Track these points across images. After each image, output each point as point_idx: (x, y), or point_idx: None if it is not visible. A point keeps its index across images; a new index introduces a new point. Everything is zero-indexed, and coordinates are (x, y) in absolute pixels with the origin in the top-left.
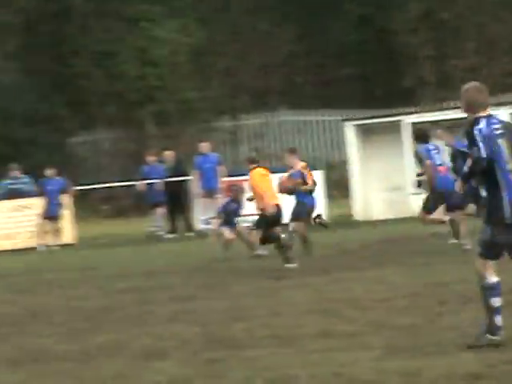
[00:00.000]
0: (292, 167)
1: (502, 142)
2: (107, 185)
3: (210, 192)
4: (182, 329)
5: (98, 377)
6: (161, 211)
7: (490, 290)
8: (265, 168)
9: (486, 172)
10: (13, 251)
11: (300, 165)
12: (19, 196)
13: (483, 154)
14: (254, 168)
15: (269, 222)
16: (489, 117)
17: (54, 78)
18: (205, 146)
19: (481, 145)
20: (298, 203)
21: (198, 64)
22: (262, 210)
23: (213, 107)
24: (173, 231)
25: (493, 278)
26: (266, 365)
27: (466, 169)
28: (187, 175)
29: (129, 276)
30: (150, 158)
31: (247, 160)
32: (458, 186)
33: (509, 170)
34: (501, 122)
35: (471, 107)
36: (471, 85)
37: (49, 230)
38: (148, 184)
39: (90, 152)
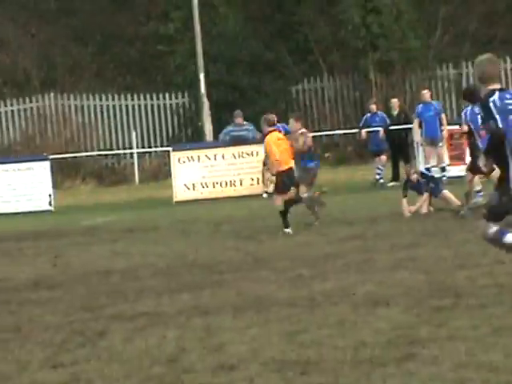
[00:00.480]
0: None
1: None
2: (330, 132)
3: (431, 141)
4: (405, 276)
5: (323, 323)
6: (383, 159)
7: (497, 236)
8: None
9: (496, 145)
10: (236, 198)
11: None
12: (242, 143)
13: (500, 125)
14: (270, 132)
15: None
16: (501, 90)
17: (277, 25)
18: (427, 95)
19: (497, 117)
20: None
21: (421, 12)
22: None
23: (436, 56)
24: (395, 179)
25: (493, 228)
26: (490, 313)
27: (485, 144)
28: (410, 123)
29: (352, 223)
30: (373, 106)
31: (265, 122)
32: (481, 162)
33: None
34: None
35: (484, 79)
36: (484, 57)
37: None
38: (370, 132)
39: (314, 100)
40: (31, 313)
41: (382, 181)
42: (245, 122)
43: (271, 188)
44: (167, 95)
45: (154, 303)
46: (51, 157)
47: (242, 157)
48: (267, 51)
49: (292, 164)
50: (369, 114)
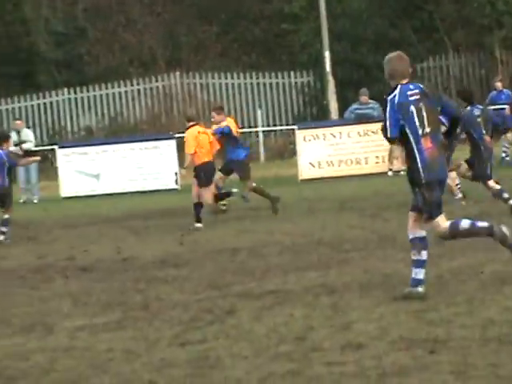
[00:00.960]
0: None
1: (414, 108)
2: None
3: None
4: None
5: (451, 301)
6: (510, 136)
7: (415, 245)
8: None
9: (402, 139)
10: (361, 176)
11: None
12: (368, 121)
13: (390, 129)
14: (190, 126)
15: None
16: (406, 84)
17: (402, 3)
18: None
19: (389, 119)
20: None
21: None
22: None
23: None
24: None
25: (417, 232)
26: None
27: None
28: None
29: (477, 201)
30: (498, 84)
31: (185, 117)
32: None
33: (421, 135)
34: (419, 88)
35: (393, 76)
36: (393, 54)
37: (398, 156)
38: (496, 110)
39: (439, 77)
40: (159, 291)
41: (507, 158)
42: (370, 101)
43: (396, 166)
44: (292, 73)
45: (280, 281)
46: (177, 135)
47: (367, 135)
48: (392, 29)
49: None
50: (494, 92)
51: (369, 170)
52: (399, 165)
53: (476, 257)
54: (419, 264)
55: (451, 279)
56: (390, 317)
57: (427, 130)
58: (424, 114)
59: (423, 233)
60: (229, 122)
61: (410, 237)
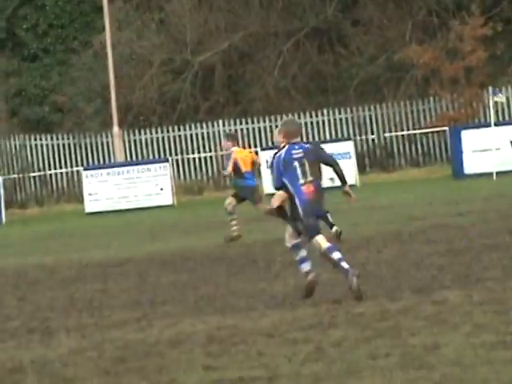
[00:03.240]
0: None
1: (297, 163)
2: None
3: None
4: None
5: None
6: None
7: (294, 249)
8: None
9: (285, 187)
10: None
11: (235, 150)
12: None
13: (277, 181)
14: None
15: None
16: (293, 144)
17: None
18: None
19: (275, 172)
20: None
21: None
22: None
23: None
24: None
25: (293, 241)
26: None
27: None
28: None
29: None
30: None
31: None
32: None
33: (300, 184)
34: (303, 147)
35: (286, 136)
36: (288, 119)
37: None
38: None
39: None
40: None
41: None
42: None
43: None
44: None
45: None
46: None
47: None
48: None
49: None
50: None
51: None
52: None
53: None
54: (302, 260)
55: None
56: None
57: (301, 181)
58: (305, 167)
59: (297, 241)
60: (236, 152)
61: (289, 246)
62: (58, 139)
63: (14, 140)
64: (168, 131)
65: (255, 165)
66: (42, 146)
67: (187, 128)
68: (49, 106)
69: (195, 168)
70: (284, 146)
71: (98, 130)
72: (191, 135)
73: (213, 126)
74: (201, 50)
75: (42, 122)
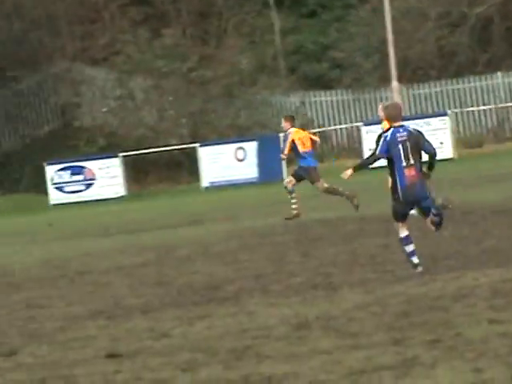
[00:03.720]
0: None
1: (400, 146)
2: None
3: None
4: None
5: None
6: None
7: (403, 241)
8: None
9: (389, 166)
10: None
11: (292, 131)
12: None
13: (379, 153)
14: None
15: None
16: (398, 127)
17: None
18: None
19: (381, 147)
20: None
21: None
22: None
23: None
24: None
25: (403, 233)
26: None
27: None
28: None
29: None
30: None
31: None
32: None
33: (403, 166)
34: (407, 130)
35: (389, 120)
36: (390, 103)
37: None
38: None
39: None
40: None
41: None
42: None
43: None
44: None
45: None
46: None
47: None
48: None
49: None
50: None
51: None
52: None
53: None
54: (411, 254)
55: None
56: None
57: (404, 163)
58: (409, 150)
59: (407, 233)
60: (293, 133)
61: (401, 236)
62: (336, 95)
63: (294, 97)
64: (446, 85)
65: (315, 143)
66: (321, 102)
67: (466, 81)
68: (327, 63)
69: (474, 121)
70: (388, 129)
71: (377, 85)
72: (470, 88)
73: (491, 78)
74: (478, 3)
75: (320, 78)
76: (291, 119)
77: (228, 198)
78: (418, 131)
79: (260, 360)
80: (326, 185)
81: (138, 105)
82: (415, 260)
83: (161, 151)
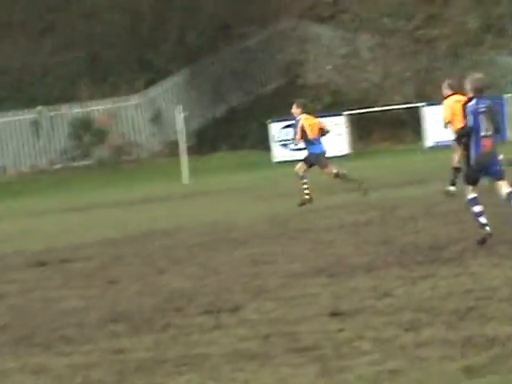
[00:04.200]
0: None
1: (482, 116)
2: None
3: None
4: None
5: None
6: None
7: (471, 202)
8: None
9: (469, 135)
10: None
11: (302, 117)
12: None
13: (469, 124)
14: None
15: None
16: (480, 98)
17: None
18: None
19: (468, 117)
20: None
21: None
22: None
23: None
24: None
25: (472, 195)
26: None
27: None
28: None
29: None
30: None
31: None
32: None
33: (482, 136)
34: (486, 102)
35: (472, 90)
36: (477, 76)
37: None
38: None
39: None
40: None
41: None
42: None
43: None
44: None
45: None
46: None
47: None
48: None
49: None
50: None
51: None
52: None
53: None
54: (479, 214)
55: None
56: None
57: (483, 133)
58: (486, 121)
59: (475, 195)
60: (304, 119)
61: (468, 198)
62: None
63: None
64: None
65: (323, 131)
66: None
67: None
68: None
69: None
70: (471, 99)
71: None
72: None
73: None
74: None
75: None
76: (303, 106)
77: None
78: (493, 105)
79: (483, 321)
80: (334, 170)
81: (363, 63)
82: (483, 220)
83: (385, 110)
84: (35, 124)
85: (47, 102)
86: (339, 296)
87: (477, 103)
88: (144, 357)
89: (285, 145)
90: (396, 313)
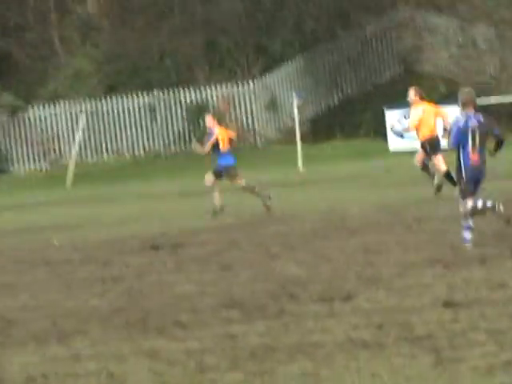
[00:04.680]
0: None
1: (470, 134)
2: None
3: None
4: None
5: None
6: None
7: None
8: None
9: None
10: None
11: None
12: None
13: (453, 141)
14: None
15: None
16: (470, 115)
17: None
18: None
19: (452, 135)
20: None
21: None
22: None
23: None
24: None
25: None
26: None
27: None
28: None
29: None
30: None
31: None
32: None
33: (468, 152)
34: (478, 119)
35: (462, 105)
36: (464, 89)
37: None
38: None
39: None
40: None
41: None
42: None
43: None
44: None
45: None
46: None
47: None
48: None
49: None
50: None
51: None
52: None
53: None
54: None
55: None
56: None
57: (470, 148)
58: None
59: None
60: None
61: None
62: None
63: None
64: None
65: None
66: None
67: None
68: None
69: None
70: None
71: None
72: None
73: None
74: None
75: None
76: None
77: None
78: (489, 119)
79: None
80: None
81: (479, 53)
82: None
83: (501, 102)
84: (151, 108)
85: (163, 87)
86: (453, 286)
87: (467, 120)
88: (257, 343)
89: (401, 134)
90: (510, 304)
